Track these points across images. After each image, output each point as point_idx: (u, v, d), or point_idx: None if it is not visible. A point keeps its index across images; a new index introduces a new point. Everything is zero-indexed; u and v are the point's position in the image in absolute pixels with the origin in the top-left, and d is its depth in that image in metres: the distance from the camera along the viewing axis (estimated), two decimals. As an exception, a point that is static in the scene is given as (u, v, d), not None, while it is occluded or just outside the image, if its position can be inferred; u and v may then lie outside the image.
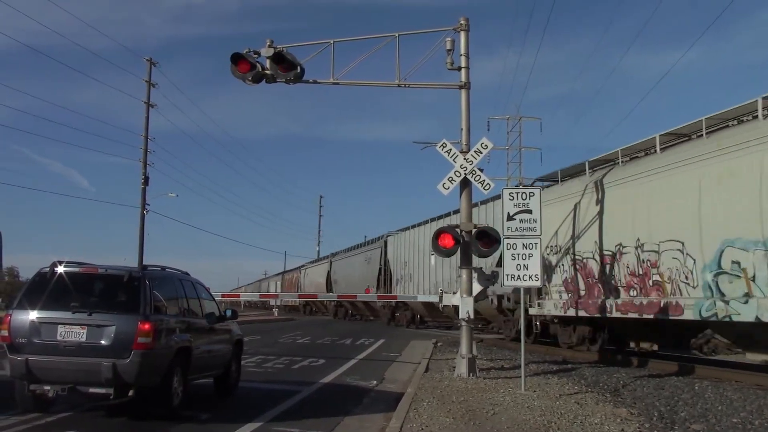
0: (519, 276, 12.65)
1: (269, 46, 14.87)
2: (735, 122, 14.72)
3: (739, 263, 13.31)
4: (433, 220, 34.58)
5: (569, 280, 19.80)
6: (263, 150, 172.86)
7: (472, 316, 14.78)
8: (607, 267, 17.78)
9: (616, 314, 17.26)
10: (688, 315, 14.67)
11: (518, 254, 12.64)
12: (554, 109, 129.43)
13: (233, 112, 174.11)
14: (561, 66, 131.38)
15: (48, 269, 9.32)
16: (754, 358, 15.00)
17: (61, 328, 8.80)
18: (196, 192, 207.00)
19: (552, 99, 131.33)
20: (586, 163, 19.74)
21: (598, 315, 18.22)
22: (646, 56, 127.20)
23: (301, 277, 70.58)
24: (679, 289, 15.00)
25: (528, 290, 16.95)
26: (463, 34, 15.30)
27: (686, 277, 14.79)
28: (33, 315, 8.89)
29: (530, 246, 12.64)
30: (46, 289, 9.12)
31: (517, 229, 12.68)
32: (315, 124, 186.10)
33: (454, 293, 15.76)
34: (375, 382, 14.12)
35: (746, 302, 13.05)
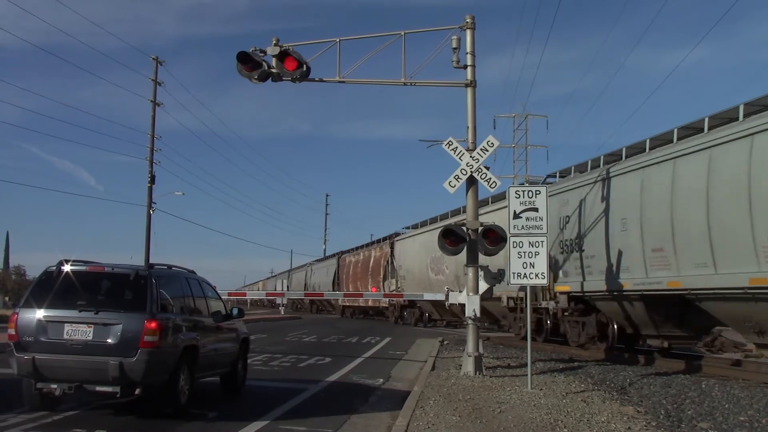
0: (525, 274, 12.66)
1: (275, 45, 14.87)
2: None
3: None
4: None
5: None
6: (270, 148, 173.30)
7: (478, 315, 14.76)
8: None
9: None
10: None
11: (524, 252, 12.66)
12: (561, 108, 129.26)
13: (242, 111, 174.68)
14: (567, 64, 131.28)
15: (55, 268, 9.34)
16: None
17: (67, 327, 8.82)
18: (203, 190, 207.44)
19: (558, 97, 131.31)
20: None
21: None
22: (653, 54, 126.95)
23: (398, 252, 39.77)
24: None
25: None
26: (469, 33, 15.26)
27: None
28: (40, 314, 8.92)
29: (536, 244, 12.65)
30: (53, 288, 9.14)
31: (523, 227, 12.69)
32: (322, 123, 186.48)
33: (460, 291, 15.70)
34: (381, 380, 14.13)
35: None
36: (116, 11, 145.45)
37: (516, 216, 12.72)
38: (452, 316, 33.35)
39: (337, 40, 15.38)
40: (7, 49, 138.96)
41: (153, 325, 8.81)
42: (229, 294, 19.97)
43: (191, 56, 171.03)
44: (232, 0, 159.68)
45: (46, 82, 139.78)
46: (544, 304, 20.94)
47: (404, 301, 37.62)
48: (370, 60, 15.74)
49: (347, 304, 51.40)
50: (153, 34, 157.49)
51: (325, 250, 79.32)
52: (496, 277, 15.07)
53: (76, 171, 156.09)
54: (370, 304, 44.34)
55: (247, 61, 14.81)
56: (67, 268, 9.30)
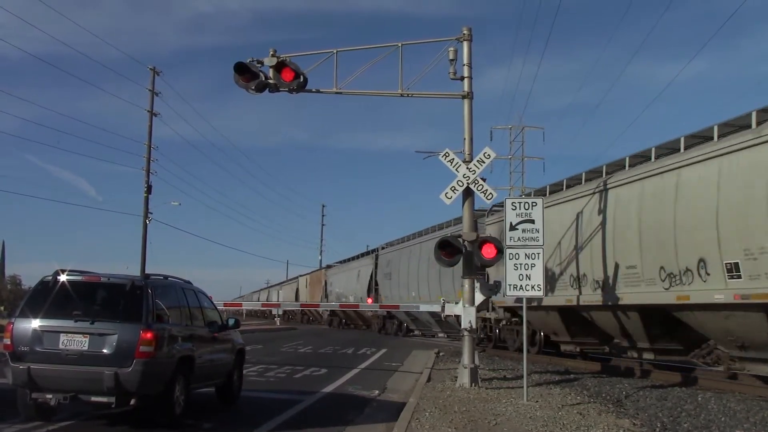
0: (521, 286, 12.67)
1: (272, 56, 14.91)
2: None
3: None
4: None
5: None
6: (268, 159, 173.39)
7: (474, 326, 14.76)
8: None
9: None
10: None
11: (521, 264, 12.67)
12: (558, 119, 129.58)
13: (240, 121, 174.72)
14: (565, 76, 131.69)
15: (51, 278, 9.33)
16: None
17: (63, 337, 8.80)
18: (200, 201, 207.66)
19: (556, 109, 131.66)
20: None
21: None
22: (651, 67, 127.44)
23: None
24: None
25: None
26: (465, 44, 15.34)
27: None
28: (35, 323, 8.90)
29: (533, 256, 12.67)
30: (49, 298, 9.13)
31: (519, 238, 12.71)
32: (321, 133, 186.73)
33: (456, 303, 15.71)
34: (377, 391, 14.09)
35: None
36: (117, 22, 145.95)
37: (512, 228, 12.74)
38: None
39: (334, 51, 15.44)
40: (7, 59, 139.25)
41: (149, 335, 8.79)
42: (225, 304, 19.92)
43: (191, 67, 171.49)
44: (232, 11, 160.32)
45: (46, 92, 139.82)
46: None
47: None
48: (368, 71, 15.80)
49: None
50: (154, 46, 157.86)
51: (321, 261, 79.07)
52: (493, 288, 15.10)
53: (76, 181, 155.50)
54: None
55: (245, 72, 14.85)
56: (63, 278, 9.28)
